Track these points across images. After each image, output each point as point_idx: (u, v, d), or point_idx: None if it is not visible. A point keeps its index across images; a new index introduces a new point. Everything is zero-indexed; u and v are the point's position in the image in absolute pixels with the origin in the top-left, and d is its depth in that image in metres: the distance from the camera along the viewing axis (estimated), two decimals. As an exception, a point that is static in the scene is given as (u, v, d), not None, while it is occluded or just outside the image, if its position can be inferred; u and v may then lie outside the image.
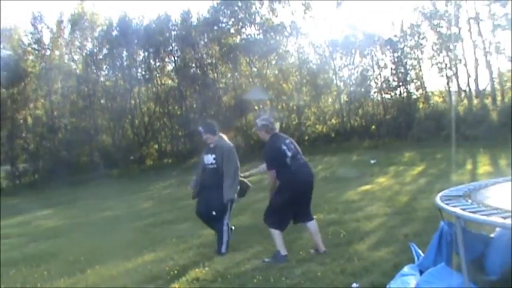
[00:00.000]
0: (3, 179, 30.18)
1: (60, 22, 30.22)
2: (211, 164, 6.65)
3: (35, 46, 30.20)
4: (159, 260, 6.64)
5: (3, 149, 30.06)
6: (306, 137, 28.24)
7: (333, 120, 29.04)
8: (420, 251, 4.84)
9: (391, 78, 27.50)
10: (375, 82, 28.33)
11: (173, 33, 30.13)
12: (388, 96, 27.90)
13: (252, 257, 6.13)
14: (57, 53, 30.76)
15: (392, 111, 27.15)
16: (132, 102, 30.58)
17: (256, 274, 5.32)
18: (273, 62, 29.67)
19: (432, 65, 25.83)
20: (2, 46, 29.95)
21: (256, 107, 28.57)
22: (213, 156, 6.65)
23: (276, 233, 5.82)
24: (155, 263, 6.42)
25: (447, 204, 3.94)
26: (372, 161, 18.09)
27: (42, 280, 6.29)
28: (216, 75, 29.95)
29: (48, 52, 30.39)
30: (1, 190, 27.58)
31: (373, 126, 27.54)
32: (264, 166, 6.14)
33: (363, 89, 28.32)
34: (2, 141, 29.73)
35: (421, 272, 4.20)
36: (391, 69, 27.44)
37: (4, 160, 30.69)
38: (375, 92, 28.80)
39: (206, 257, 6.42)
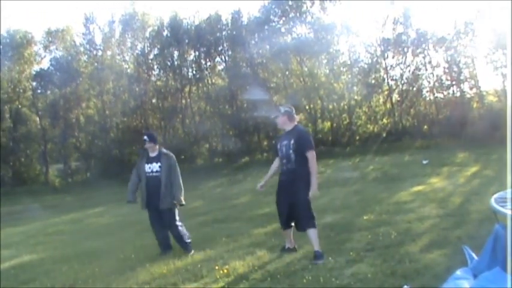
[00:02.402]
0: (56, 177, 33.70)
1: (111, 23, 33.73)
2: (156, 172, 7.50)
3: (87, 47, 33.90)
4: (209, 258, 7.10)
5: (56, 147, 33.83)
6: (357, 137, 30.60)
7: (385, 120, 30.98)
8: (474, 254, 4.85)
9: (444, 77, 29.40)
10: (428, 81, 30.28)
11: (224, 33, 32.89)
12: (441, 95, 29.85)
13: (301, 258, 6.48)
14: (108, 53, 34.24)
15: (445, 111, 28.99)
16: (183, 101, 33.44)
17: (305, 274, 5.63)
18: (324, 61, 32.01)
19: (487, 63, 27.36)
20: (55, 47, 33.66)
21: (307, 107, 31.22)
22: (159, 164, 7.52)
23: (316, 232, 6.45)
24: (205, 262, 6.86)
25: (502, 206, 4.09)
26: (424, 162, 18.80)
27: (93, 277, 6.81)
28: (266, 74, 32.49)
29: (100, 52, 33.92)
30: (54, 188, 30.69)
31: (426, 126, 29.36)
32: (277, 160, 6.82)
33: (415, 88, 30.42)
34: (55, 140, 33.49)
35: (475, 276, 4.23)
36: (444, 67, 29.25)
37: (57, 158, 34.62)
38: (427, 91, 30.72)
39: (256, 256, 6.84)
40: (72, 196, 25.95)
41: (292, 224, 6.66)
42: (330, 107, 31.44)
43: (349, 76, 31.55)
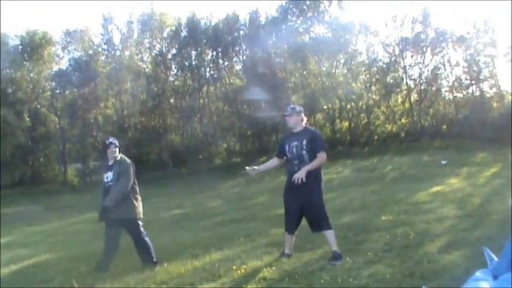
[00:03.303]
0: (74, 177, 34.92)
1: (129, 23, 35.11)
2: (111, 181, 7.21)
3: (105, 47, 35.34)
4: (227, 258, 7.16)
5: (74, 147, 35.17)
6: (376, 137, 31.61)
7: (403, 120, 31.94)
8: (494, 256, 4.87)
9: (463, 77, 30.39)
10: (447, 80, 31.37)
11: (241, 32, 34.17)
12: (460, 95, 30.84)
13: (319, 258, 6.57)
14: (127, 53, 35.61)
15: (465, 111, 29.91)
16: (201, 101, 34.68)
17: (323, 274, 5.73)
18: (342, 60, 33.00)
19: (507, 61, 28.32)
20: (73, 47, 35.06)
21: (325, 106, 32.24)
22: (112, 173, 7.23)
23: (333, 232, 6.58)
24: (222, 262, 6.93)
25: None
26: (443, 162, 19.42)
27: (111, 276, 6.87)
28: (284, 74, 33.44)
29: (118, 52, 35.37)
30: (72, 188, 31.71)
31: (445, 126, 30.30)
32: (275, 159, 6.94)
33: (433, 88, 31.43)
34: (74, 139, 34.79)
35: (495, 278, 4.27)
36: (464, 67, 30.28)
37: (75, 158, 35.92)
38: (446, 91, 31.87)
39: (273, 256, 6.92)
40: (90, 195, 25.47)
41: (295, 231, 6.76)
42: (348, 106, 32.39)
43: (367, 76, 32.54)
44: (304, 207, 6.51)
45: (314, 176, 6.44)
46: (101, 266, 7.28)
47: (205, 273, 6.45)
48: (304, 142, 6.46)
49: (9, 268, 8.64)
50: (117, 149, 7.41)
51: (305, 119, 6.73)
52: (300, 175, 6.30)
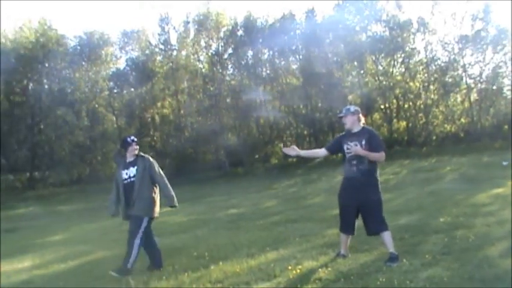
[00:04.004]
0: None
1: (186, 23, 37.48)
2: (134, 176, 7.55)
3: (162, 47, 37.82)
4: (282, 258, 7.47)
5: None
6: (434, 137, 33.12)
7: (462, 120, 33.33)
8: None
9: None
10: (508, 79, 32.57)
11: (298, 32, 36.08)
12: None
13: (375, 259, 6.80)
14: (183, 53, 38.18)
15: None
16: (257, 101, 36.39)
17: (379, 276, 5.92)
18: (400, 59, 34.70)
19: None
20: (131, 47, 38.00)
21: (382, 106, 34.24)
22: (135, 168, 7.58)
23: (389, 233, 6.87)
24: (278, 262, 7.22)
25: None
26: (504, 163, 19.52)
27: (167, 274, 7.24)
28: (341, 73, 35.22)
29: (174, 52, 37.87)
30: None
31: (506, 126, 31.32)
32: (323, 151, 7.34)
33: (494, 87, 32.74)
34: None
35: None
36: None
37: None
38: (508, 90, 32.98)
39: (329, 257, 7.22)
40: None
41: (352, 232, 7.06)
42: (406, 106, 34.11)
43: (426, 75, 34.07)
44: (361, 208, 6.83)
45: (371, 176, 6.81)
46: (154, 264, 7.78)
47: (261, 272, 6.78)
48: (363, 142, 6.73)
49: (67, 264, 9.19)
50: (138, 146, 7.78)
51: (362, 119, 7.00)
52: (358, 150, 6.67)
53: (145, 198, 7.51)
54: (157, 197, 7.69)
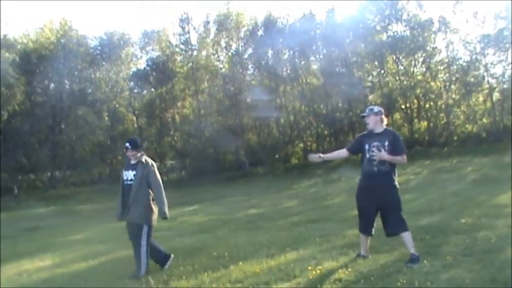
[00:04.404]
0: None
1: (206, 23, 37.92)
2: (131, 180, 7.55)
3: (183, 47, 38.32)
4: (302, 258, 7.55)
5: (152, 146, 38.15)
6: (455, 137, 33.19)
7: (484, 120, 33.28)
8: None
9: None
10: None
11: (318, 31, 36.26)
12: None
13: (396, 260, 6.85)
14: (203, 53, 38.62)
15: None
16: (278, 101, 36.95)
17: (400, 277, 5.96)
18: (421, 59, 34.73)
19: None
20: (151, 48, 38.46)
21: (403, 106, 34.37)
22: (133, 172, 7.55)
23: (410, 234, 6.92)
24: (298, 262, 7.31)
25: None
26: None
27: (187, 273, 7.33)
28: (361, 73, 35.49)
29: (195, 52, 38.31)
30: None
31: None
32: (345, 151, 7.41)
33: None
34: (151, 138, 38.01)
35: None
36: None
37: (153, 157, 38.70)
38: None
39: (349, 257, 7.29)
40: (167, 194, 26.31)
41: (374, 232, 7.16)
42: (427, 106, 34.20)
43: (447, 74, 34.15)
44: (381, 209, 6.92)
45: (391, 177, 6.87)
46: (159, 260, 7.87)
47: (280, 273, 6.85)
48: (386, 143, 6.82)
49: (87, 263, 9.29)
50: (137, 151, 7.71)
51: (385, 120, 7.08)
52: (383, 156, 6.77)
53: (141, 205, 7.51)
54: (154, 204, 7.66)
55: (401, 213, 6.88)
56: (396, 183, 6.92)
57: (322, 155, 7.44)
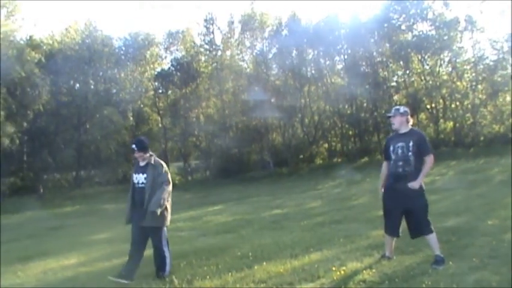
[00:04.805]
0: (176, 175, 37.68)
1: (230, 23, 38.41)
2: (142, 183, 7.42)
3: (207, 47, 38.68)
4: (326, 259, 7.58)
5: (176, 146, 38.93)
6: (482, 138, 33.15)
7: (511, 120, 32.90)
8: None
9: None
10: None
11: (342, 31, 36.45)
12: None
13: (421, 261, 6.86)
14: (228, 53, 39.01)
15: None
16: (302, 101, 37.26)
17: (425, 279, 5.98)
18: (446, 59, 34.89)
19: None
20: (175, 48, 38.92)
21: (428, 106, 34.46)
22: (144, 175, 7.42)
23: (435, 236, 6.94)
24: (322, 263, 7.34)
25: None
26: None
27: (211, 273, 7.40)
28: (386, 73, 35.76)
29: (219, 52, 38.71)
30: (174, 186, 35.04)
31: None
32: (385, 163, 7.30)
33: None
34: (176, 138, 38.42)
35: None
36: None
37: (177, 157, 39.69)
38: None
39: (374, 258, 7.31)
40: (191, 194, 27.84)
41: (400, 233, 7.13)
42: (453, 106, 34.25)
43: (473, 74, 34.10)
44: (406, 211, 6.91)
45: (416, 179, 6.81)
46: (126, 274, 7.39)
47: (304, 273, 6.88)
48: (411, 144, 6.80)
49: (111, 262, 9.23)
50: (144, 152, 7.53)
51: (411, 120, 7.08)
52: (417, 185, 6.75)
53: (155, 197, 7.28)
54: (169, 205, 7.57)
55: (427, 215, 6.88)
56: (422, 185, 6.87)
57: (382, 188, 7.35)
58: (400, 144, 6.88)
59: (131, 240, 7.60)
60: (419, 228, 6.85)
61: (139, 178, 7.45)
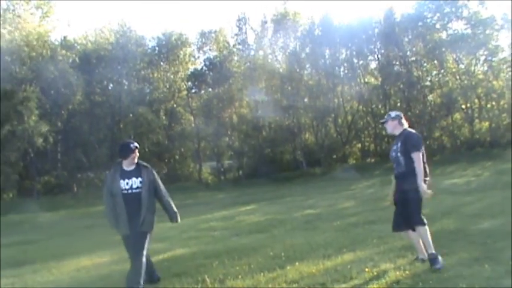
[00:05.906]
0: (208, 175, 39.46)
1: (264, 23, 39.19)
2: (137, 188, 6.98)
3: (240, 47, 39.63)
4: (359, 260, 7.60)
5: (209, 146, 39.69)
6: None
7: None
8: None
9: None
10: None
11: (376, 30, 36.93)
12: None
13: (455, 264, 6.79)
14: (261, 53, 39.82)
15: None
16: (335, 101, 37.88)
17: (459, 281, 5.94)
18: (482, 58, 34.96)
19: None
20: (208, 48, 39.77)
21: (463, 106, 34.63)
22: (139, 179, 7.02)
23: (426, 230, 6.88)
24: (355, 263, 7.36)
25: None
26: None
27: (243, 273, 7.49)
28: (420, 73, 35.95)
29: (252, 52, 39.71)
30: (207, 185, 35.73)
31: None
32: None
33: None
34: (208, 138, 39.05)
35: None
36: None
37: (210, 157, 40.45)
38: None
39: (407, 259, 7.27)
40: (224, 193, 28.77)
41: (404, 229, 7.16)
42: (488, 106, 34.39)
43: (510, 73, 34.01)
44: (403, 207, 7.00)
45: (407, 179, 6.81)
46: (147, 277, 7.21)
47: (337, 274, 6.88)
48: (399, 145, 6.92)
49: None
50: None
51: (405, 123, 7.12)
52: (425, 193, 6.73)
53: (152, 212, 7.09)
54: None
55: (419, 209, 6.84)
56: (415, 186, 6.74)
57: (391, 196, 7.36)
58: (394, 147, 7.08)
59: (126, 248, 7.15)
60: (411, 219, 6.89)
61: (131, 183, 7.00)
